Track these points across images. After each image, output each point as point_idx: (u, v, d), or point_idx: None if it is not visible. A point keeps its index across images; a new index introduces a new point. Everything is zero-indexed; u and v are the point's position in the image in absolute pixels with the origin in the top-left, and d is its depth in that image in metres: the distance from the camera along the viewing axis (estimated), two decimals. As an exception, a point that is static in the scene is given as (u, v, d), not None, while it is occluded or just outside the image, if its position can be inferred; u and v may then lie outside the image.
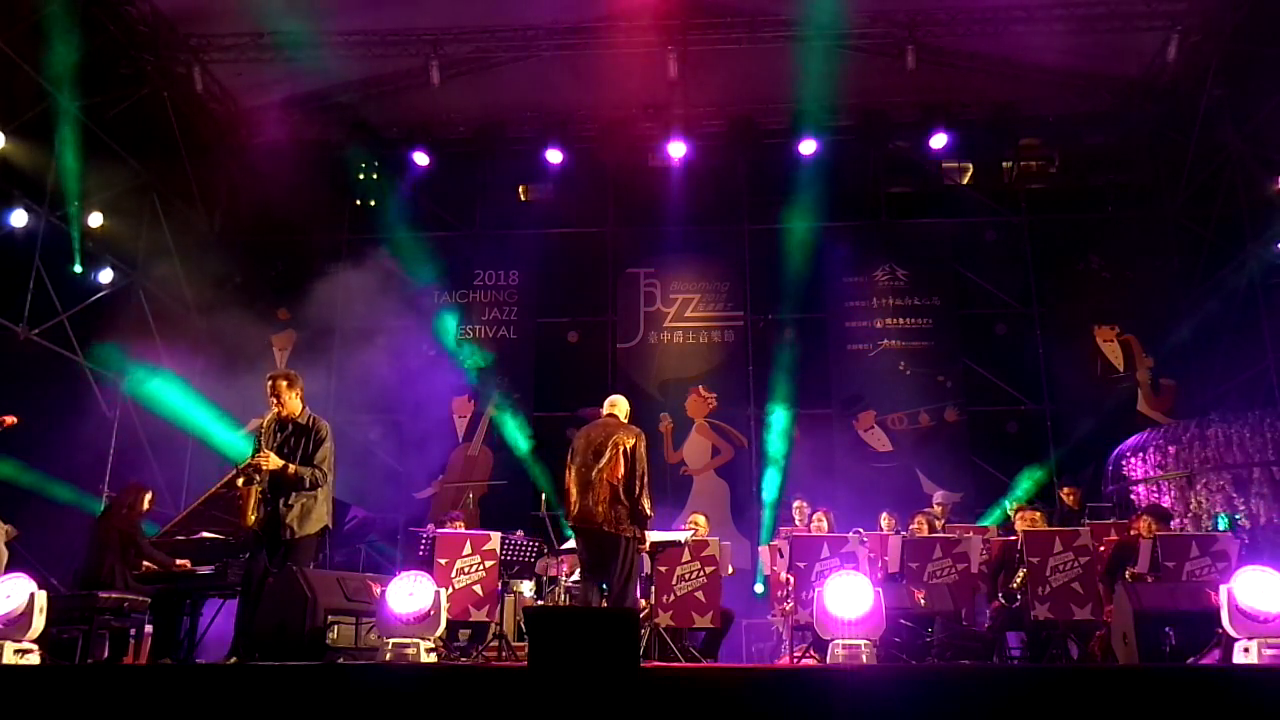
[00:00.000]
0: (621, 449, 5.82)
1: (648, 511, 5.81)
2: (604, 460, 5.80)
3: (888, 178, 12.90)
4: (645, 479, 5.83)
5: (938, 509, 9.05)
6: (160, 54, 11.16)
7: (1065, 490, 9.24)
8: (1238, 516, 8.89)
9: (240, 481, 5.42)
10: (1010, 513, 7.99)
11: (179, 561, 6.94)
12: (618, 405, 6.20)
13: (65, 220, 10.20)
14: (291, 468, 5.41)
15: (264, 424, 5.60)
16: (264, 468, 5.35)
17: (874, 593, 5.05)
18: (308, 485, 5.46)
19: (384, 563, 10.17)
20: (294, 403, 5.59)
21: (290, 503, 5.44)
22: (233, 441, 11.06)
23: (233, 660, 5.28)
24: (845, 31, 11.20)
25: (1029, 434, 11.86)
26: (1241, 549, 6.61)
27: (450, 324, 12.41)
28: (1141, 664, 5.37)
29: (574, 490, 5.87)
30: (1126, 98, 12.15)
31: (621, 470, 5.78)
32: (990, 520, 10.64)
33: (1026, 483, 11.30)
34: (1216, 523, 8.91)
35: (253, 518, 5.35)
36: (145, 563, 6.91)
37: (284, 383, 5.58)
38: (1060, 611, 6.32)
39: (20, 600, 4.72)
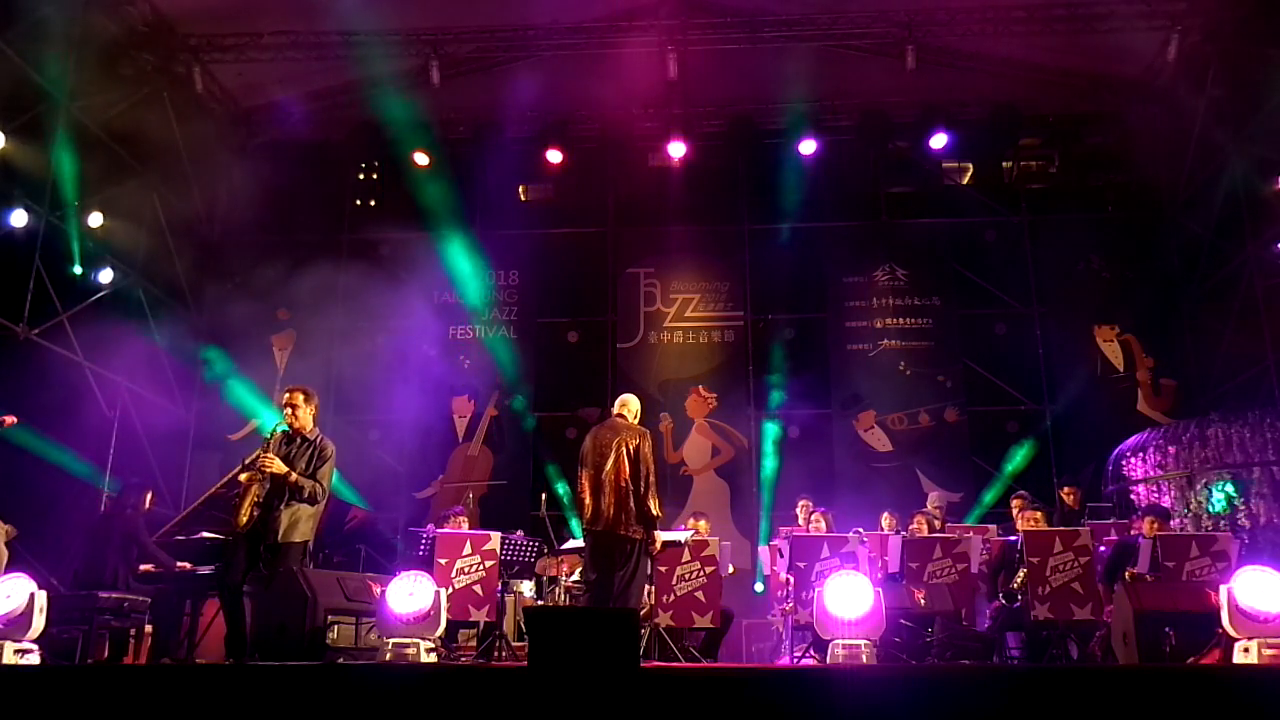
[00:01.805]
0: (624, 450, 5.82)
1: (654, 512, 5.80)
2: (609, 464, 5.80)
3: (888, 178, 12.89)
4: (651, 479, 5.82)
5: (934, 510, 9.06)
6: (160, 54, 11.16)
7: (1065, 490, 9.24)
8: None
9: (243, 477, 5.48)
10: (1012, 508, 7.98)
11: (180, 564, 6.94)
12: (627, 405, 6.17)
13: (65, 220, 10.20)
14: (293, 475, 5.46)
15: (272, 433, 5.65)
16: (268, 469, 5.39)
17: (874, 593, 5.05)
18: (304, 496, 5.49)
19: (384, 562, 10.17)
20: (306, 418, 5.68)
21: (280, 510, 5.46)
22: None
23: (229, 662, 5.29)
24: (845, 31, 11.21)
25: (1029, 434, 11.86)
26: (1241, 549, 6.62)
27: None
28: (1141, 664, 5.37)
29: (588, 494, 5.85)
30: (1126, 98, 12.14)
31: (627, 471, 5.77)
32: (976, 512, 10.76)
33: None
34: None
35: (245, 517, 5.38)
36: (144, 565, 6.91)
37: (302, 396, 5.69)
38: (1060, 611, 6.33)
39: (20, 600, 4.72)
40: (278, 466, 5.41)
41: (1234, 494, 9.05)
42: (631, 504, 5.74)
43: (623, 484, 5.76)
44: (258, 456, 5.48)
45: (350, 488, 11.09)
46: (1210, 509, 9.11)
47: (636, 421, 6.12)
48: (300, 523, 5.52)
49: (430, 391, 12.25)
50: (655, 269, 12.82)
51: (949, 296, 12.44)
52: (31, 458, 8.57)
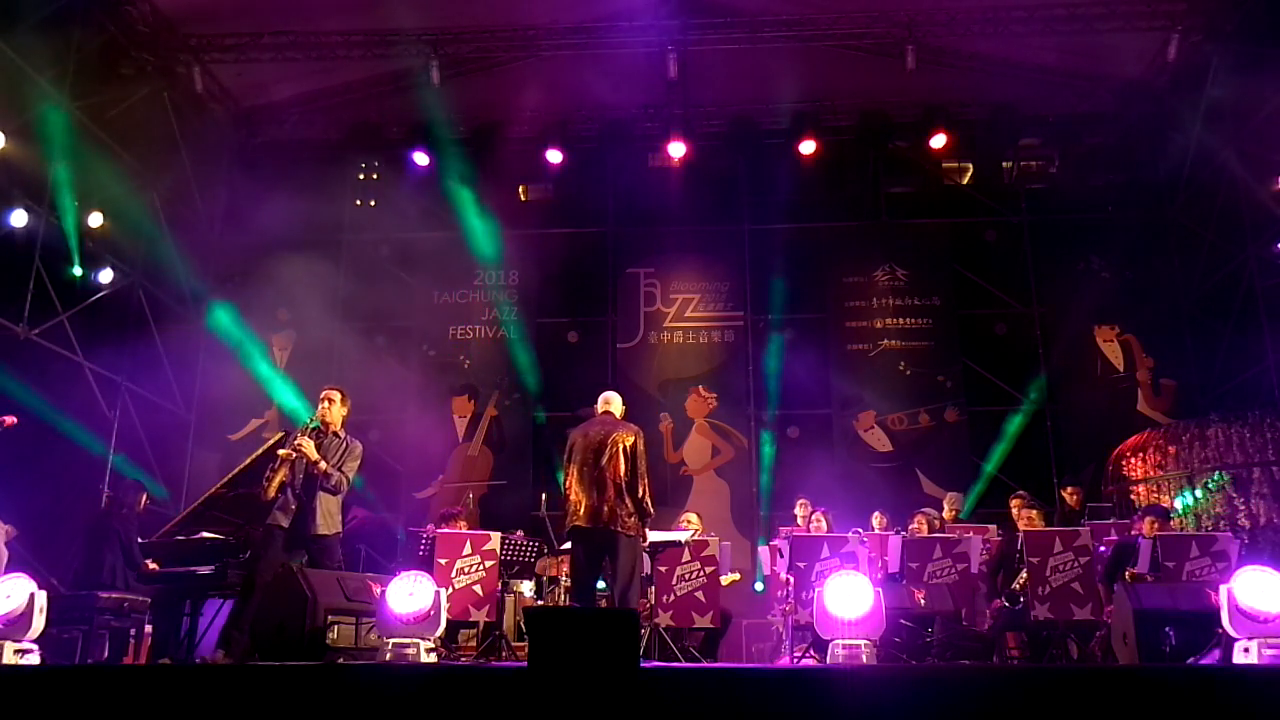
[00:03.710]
0: (621, 447, 5.81)
1: (650, 510, 5.83)
2: (605, 459, 5.78)
3: (888, 178, 12.90)
4: (646, 477, 5.84)
5: (949, 513, 9.06)
6: (160, 54, 11.16)
7: (1068, 490, 9.25)
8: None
9: (282, 451, 5.76)
10: (1012, 508, 7.98)
11: (151, 565, 6.94)
12: (612, 403, 6.19)
13: (65, 220, 10.19)
14: (323, 464, 5.72)
15: (305, 427, 5.94)
16: (302, 450, 5.66)
17: (874, 593, 5.05)
18: (332, 485, 5.75)
19: (384, 562, 10.18)
20: (338, 417, 6.01)
21: (316, 503, 5.71)
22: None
23: (220, 653, 5.34)
24: (845, 31, 11.21)
25: (1029, 434, 11.87)
26: (1241, 549, 6.62)
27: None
28: (1141, 664, 5.37)
29: (578, 490, 5.81)
30: (1126, 98, 12.14)
31: (623, 468, 5.77)
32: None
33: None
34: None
35: (273, 492, 5.64)
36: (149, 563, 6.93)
37: (339, 395, 6.07)
38: (1060, 611, 6.33)
39: (20, 600, 4.71)
40: (311, 451, 5.67)
41: (1226, 481, 9.08)
42: (627, 500, 5.73)
43: (619, 481, 5.74)
44: (296, 436, 5.75)
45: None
46: (1204, 492, 9.16)
47: (623, 418, 6.14)
48: (333, 514, 5.80)
49: (430, 391, 12.25)
50: (655, 269, 12.82)
51: (949, 296, 12.44)
52: (31, 458, 8.56)
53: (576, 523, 5.78)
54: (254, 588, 5.52)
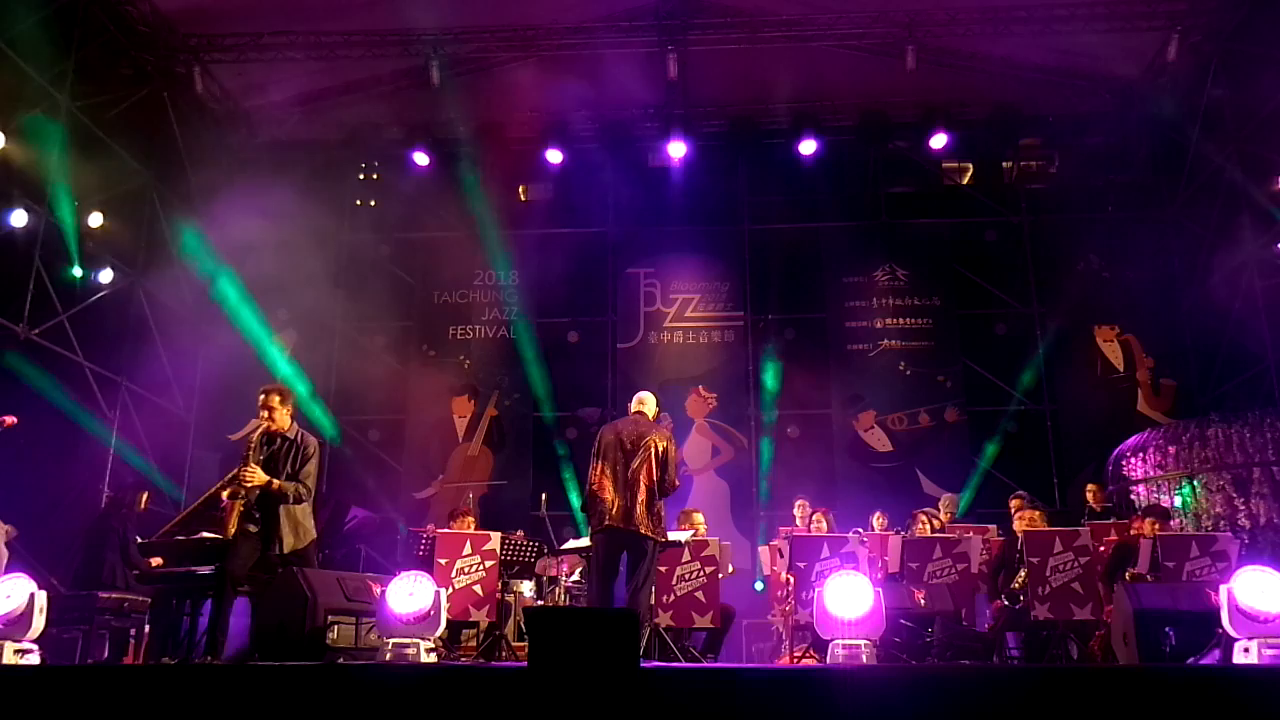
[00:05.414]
0: (653, 450, 5.77)
1: (663, 513, 5.84)
2: (637, 461, 5.75)
3: (888, 178, 12.91)
4: (676, 481, 5.85)
5: (944, 515, 9.06)
6: (160, 54, 11.16)
7: (1090, 489, 9.29)
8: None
9: (225, 495, 5.41)
10: (1011, 508, 7.98)
11: (154, 561, 6.91)
12: (646, 403, 6.10)
13: (65, 220, 10.19)
14: (276, 483, 5.36)
15: (253, 437, 5.50)
16: (249, 483, 5.30)
17: (874, 593, 5.05)
18: (291, 500, 5.42)
19: (384, 562, 10.18)
20: (284, 418, 5.54)
21: (279, 519, 5.41)
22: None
23: (208, 659, 5.26)
24: (845, 31, 11.22)
25: (1029, 434, 11.87)
26: (1241, 549, 6.62)
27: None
28: (1141, 664, 5.37)
29: (611, 490, 5.75)
30: (1126, 98, 12.15)
31: (655, 473, 5.75)
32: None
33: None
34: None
35: (233, 530, 5.33)
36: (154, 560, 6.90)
37: (277, 397, 5.53)
38: (1060, 611, 6.32)
39: (20, 600, 4.71)
40: (258, 478, 5.30)
41: (1225, 482, 9.11)
42: (656, 504, 5.73)
43: (650, 484, 5.71)
44: (239, 471, 5.35)
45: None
46: (1202, 490, 9.20)
47: (654, 419, 6.11)
48: (300, 524, 5.49)
49: (430, 391, 12.25)
50: (655, 269, 12.83)
51: (949, 296, 12.45)
52: (32, 458, 8.57)
53: (610, 523, 5.71)
54: (226, 588, 5.32)
